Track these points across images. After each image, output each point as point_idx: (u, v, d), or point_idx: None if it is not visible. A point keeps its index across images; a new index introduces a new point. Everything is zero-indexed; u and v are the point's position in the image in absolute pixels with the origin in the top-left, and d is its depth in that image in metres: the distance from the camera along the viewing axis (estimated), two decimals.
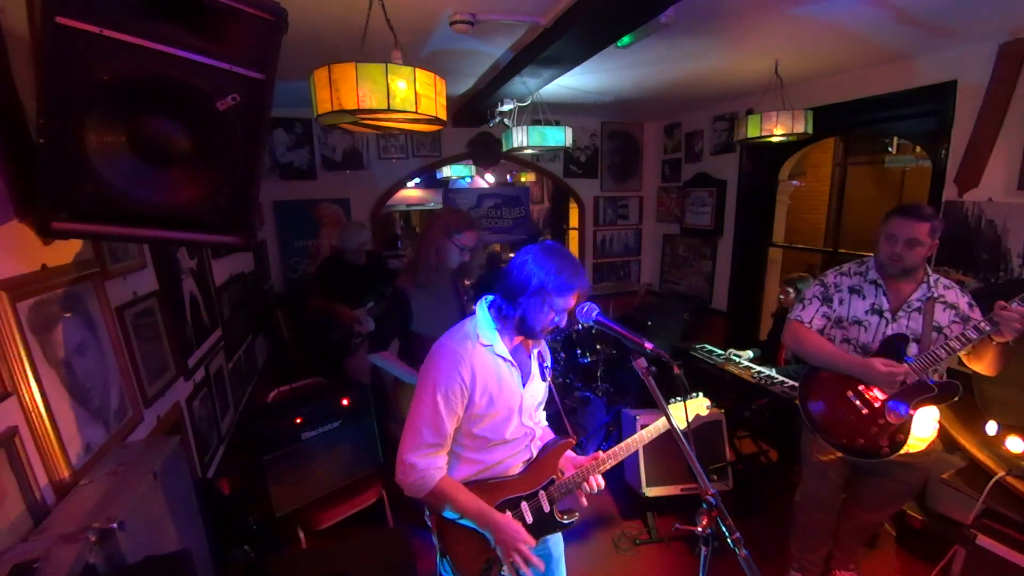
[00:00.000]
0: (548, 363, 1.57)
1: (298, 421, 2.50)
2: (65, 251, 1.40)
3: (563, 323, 1.39)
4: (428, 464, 1.35)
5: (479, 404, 1.36)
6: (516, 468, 1.53)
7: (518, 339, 1.46)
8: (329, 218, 4.46)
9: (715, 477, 2.87)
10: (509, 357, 1.41)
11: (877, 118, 3.24)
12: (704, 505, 1.18)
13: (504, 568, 1.45)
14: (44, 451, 1.20)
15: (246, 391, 3.18)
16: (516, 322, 1.38)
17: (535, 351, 1.52)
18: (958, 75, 2.66)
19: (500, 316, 1.41)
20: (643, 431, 1.65)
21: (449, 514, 1.42)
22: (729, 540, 1.09)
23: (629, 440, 1.62)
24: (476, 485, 1.44)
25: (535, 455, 1.56)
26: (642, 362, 1.32)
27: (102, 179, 1.04)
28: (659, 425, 1.64)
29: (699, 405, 1.79)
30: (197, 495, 1.68)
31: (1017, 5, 2.12)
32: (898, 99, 2.98)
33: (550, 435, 1.67)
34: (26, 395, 1.16)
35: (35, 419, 1.18)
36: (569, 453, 1.62)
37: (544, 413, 1.65)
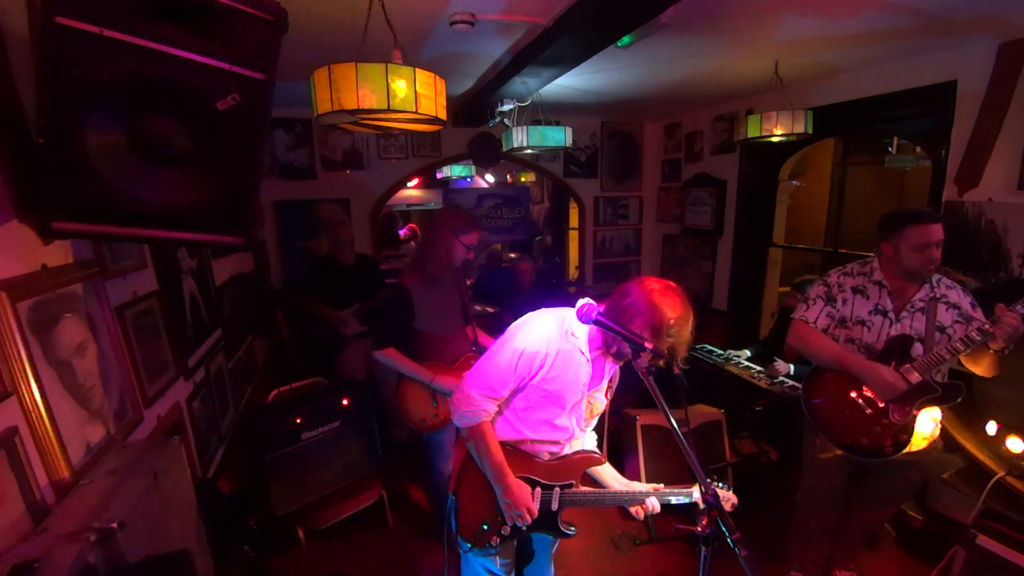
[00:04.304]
0: (612, 382, 1.65)
1: (298, 421, 2.50)
2: (65, 251, 1.40)
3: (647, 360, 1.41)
4: (482, 404, 1.50)
5: (547, 379, 1.49)
6: (546, 456, 1.61)
7: (600, 350, 1.53)
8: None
9: (715, 477, 2.86)
10: (588, 355, 1.51)
11: (877, 118, 3.24)
12: (704, 505, 1.18)
13: (492, 539, 1.54)
14: (44, 451, 1.20)
15: (246, 391, 3.17)
16: (608, 340, 1.47)
17: (609, 366, 1.60)
18: (958, 75, 2.66)
19: (598, 326, 1.41)
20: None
21: (477, 458, 1.54)
22: (729, 540, 1.09)
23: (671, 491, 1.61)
24: (506, 450, 1.54)
25: (565, 453, 1.63)
26: (642, 362, 1.32)
27: (102, 179, 1.04)
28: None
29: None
30: (197, 495, 1.67)
31: (1017, 5, 2.12)
32: (898, 99, 2.98)
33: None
34: (26, 395, 1.15)
35: (35, 419, 1.17)
36: (612, 471, 1.69)
37: (594, 432, 1.75)
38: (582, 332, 1.50)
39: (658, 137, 5.29)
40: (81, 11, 0.92)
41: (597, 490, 1.64)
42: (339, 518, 2.60)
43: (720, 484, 1.60)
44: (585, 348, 1.50)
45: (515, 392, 1.54)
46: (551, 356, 1.47)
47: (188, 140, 1.12)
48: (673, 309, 1.35)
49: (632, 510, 1.60)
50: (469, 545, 1.57)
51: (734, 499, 1.62)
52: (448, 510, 1.63)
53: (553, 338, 1.48)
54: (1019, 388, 2.25)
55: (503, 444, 1.55)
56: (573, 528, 1.61)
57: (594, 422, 1.71)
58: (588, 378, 1.54)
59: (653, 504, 1.59)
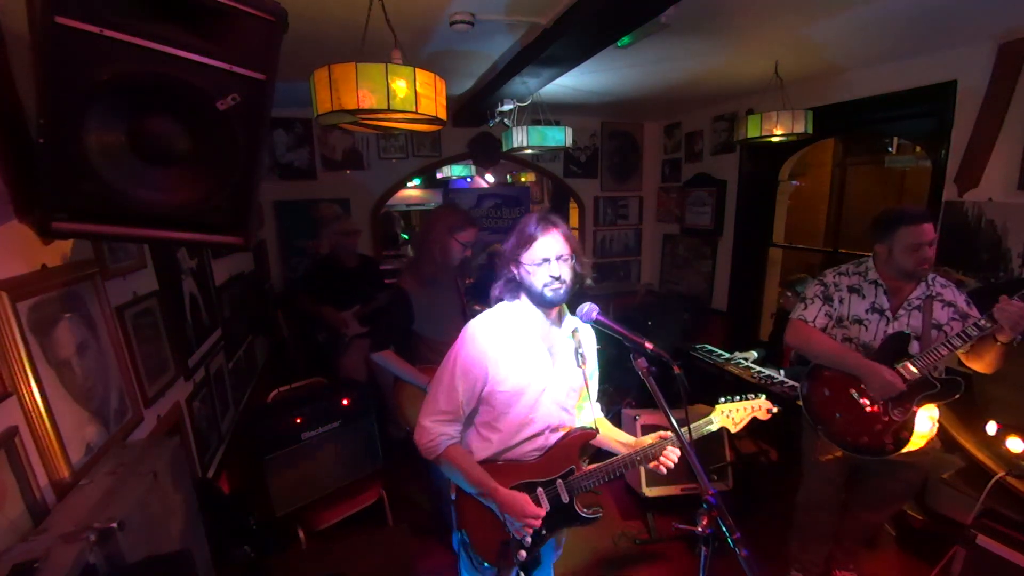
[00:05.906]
0: (582, 349, 1.53)
1: (298, 421, 2.50)
2: (65, 251, 1.40)
3: (560, 273, 1.40)
4: (440, 430, 1.46)
5: (498, 381, 1.45)
6: (533, 454, 1.54)
7: (551, 315, 1.50)
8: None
9: (715, 477, 2.87)
10: (534, 333, 1.48)
11: (877, 118, 3.24)
12: (704, 505, 1.18)
13: (519, 553, 1.46)
14: (44, 451, 1.20)
15: (246, 391, 3.17)
16: (525, 293, 1.47)
17: (571, 331, 1.54)
18: (958, 75, 2.66)
19: (511, 293, 1.50)
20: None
21: (461, 484, 1.48)
22: (729, 540, 1.09)
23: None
24: (491, 466, 1.49)
25: (551, 443, 1.55)
26: (642, 362, 1.33)
27: (102, 179, 1.04)
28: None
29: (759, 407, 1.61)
30: (197, 495, 1.67)
31: (1017, 5, 2.12)
32: (898, 99, 2.97)
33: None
34: (26, 395, 1.15)
35: (35, 419, 1.17)
36: (613, 434, 1.63)
37: (594, 406, 1.65)
38: (515, 315, 1.48)
39: (658, 137, 5.29)
40: (81, 11, 0.92)
41: (602, 464, 1.51)
42: (339, 518, 2.61)
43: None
44: (529, 328, 1.48)
45: (475, 407, 1.48)
46: (491, 360, 1.43)
47: (188, 140, 1.11)
48: (532, 221, 1.43)
49: (652, 466, 1.48)
50: (496, 570, 1.49)
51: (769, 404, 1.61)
52: (460, 547, 1.56)
53: (488, 341, 1.44)
54: (1019, 388, 2.25)
55: (485, 462, 1.49)
56: (599, 511, 1.53)
57: (593, 393, 1.62)
58: (547, 355, 1.49)
59: (673, 453, 1.46)
